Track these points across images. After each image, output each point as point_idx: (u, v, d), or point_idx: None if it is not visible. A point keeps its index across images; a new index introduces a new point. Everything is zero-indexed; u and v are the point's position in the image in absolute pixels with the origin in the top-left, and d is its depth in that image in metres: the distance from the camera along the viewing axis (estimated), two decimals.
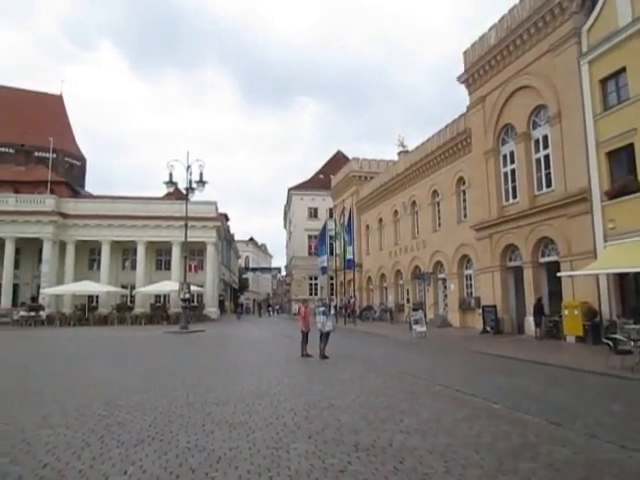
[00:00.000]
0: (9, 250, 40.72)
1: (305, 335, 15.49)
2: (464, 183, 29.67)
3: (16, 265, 41.74)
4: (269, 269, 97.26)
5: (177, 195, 40.69)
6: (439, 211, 32.90)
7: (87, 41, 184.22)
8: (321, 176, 61.17)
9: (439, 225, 32.88)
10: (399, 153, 40.36)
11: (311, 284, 58.43)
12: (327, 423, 7.13)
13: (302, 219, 59.48)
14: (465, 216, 29.72)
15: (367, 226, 44.90)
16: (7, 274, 40.46)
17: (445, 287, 32.29)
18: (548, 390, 10.02)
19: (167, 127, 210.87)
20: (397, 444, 6.04)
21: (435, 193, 33.24)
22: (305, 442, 6.17)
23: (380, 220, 41.98)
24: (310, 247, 58.82)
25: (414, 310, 26.14)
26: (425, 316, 24.97)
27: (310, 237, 58.08)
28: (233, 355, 17.63)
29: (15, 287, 41.83)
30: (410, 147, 38.91)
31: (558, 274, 19.55)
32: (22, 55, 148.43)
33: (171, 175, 27.12)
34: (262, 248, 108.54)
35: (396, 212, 39.01)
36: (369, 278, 44.61)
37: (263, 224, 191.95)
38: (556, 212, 20.36)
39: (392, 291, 39.55)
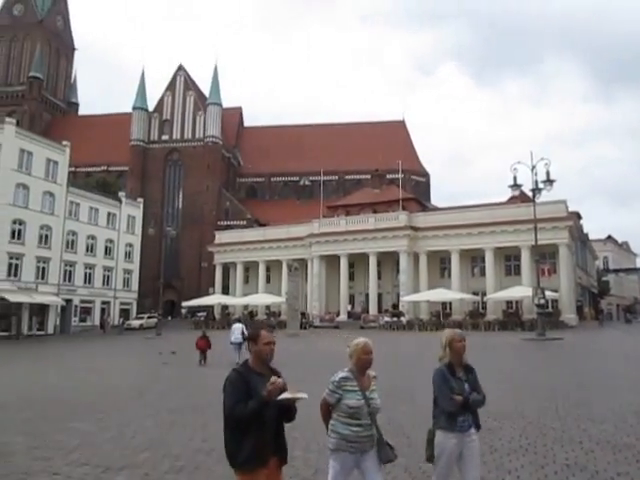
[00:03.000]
0: (372, 263, 46.16)
1: None
2: None
3: (379, 276, 46.99)
4: (634, 269, 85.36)
5: (522, 198, 39.36)
6: None
7: (429, 67, 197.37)
8: None
9: None
10: None
11: None
12: None
13: None
14: None
15: None
16: (372, 284, 45.94)
17: None
18: None
19: (509, 131, 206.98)
20: None
21: None
22: None
23: None
24: None
25: None
26: None
27: None
28: (601, 365, 15.87)
29: (379, 296, 47.06)
30: None
31: None
32: (372, 91, 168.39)
33: (515, 178, 26.46)
34: (623, 246, 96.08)
35: None
36: None
37: (623, 220, 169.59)
38: None
39: None
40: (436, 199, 76.60)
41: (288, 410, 3.32)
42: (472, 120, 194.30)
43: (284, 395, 3.17)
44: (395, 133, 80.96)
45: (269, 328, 3.56)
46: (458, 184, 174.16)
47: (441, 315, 42.00)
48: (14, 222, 40.98)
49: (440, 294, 41.11)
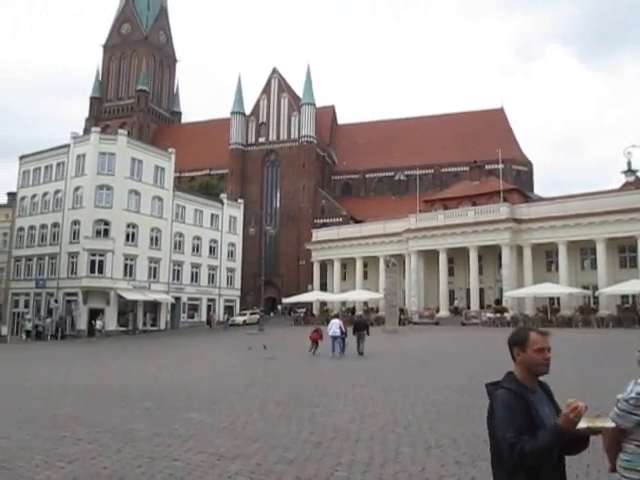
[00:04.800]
0: (473, 257, 44.76)
1: None
2: None
3: (480, 271, 45.48)
4: None
5: (637, 184, 36.52)
6: None
7: (530, 50, 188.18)
8: None
9: None
10: None
11: None
12: None
13: None
14: None
15: None
16: (473, 279, 44.57)
17: None
18: None
19: (623, 115, 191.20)
20: None
21: None
22: None
23: None
24: None
25: None
26: None
27: None
28: None
29: (480, 291, 45.54)
30: None
31: None
32: (469, 80, 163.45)
33: (629, 163, 24.53)
34: None
35: None
36: None
37: None
38: None
39: None
40: (540, 189, 72.82)
41: (577, 441, 2.41)
42: (580, 104, 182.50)
43: (584, 424, 2.29)
44: (494, 122, 77.80)
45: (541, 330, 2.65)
46: (564, 172, 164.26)
47: (548, 310, 39.92)
48: (128, 226, 44.12)
49: (546, 288, 39.03)
